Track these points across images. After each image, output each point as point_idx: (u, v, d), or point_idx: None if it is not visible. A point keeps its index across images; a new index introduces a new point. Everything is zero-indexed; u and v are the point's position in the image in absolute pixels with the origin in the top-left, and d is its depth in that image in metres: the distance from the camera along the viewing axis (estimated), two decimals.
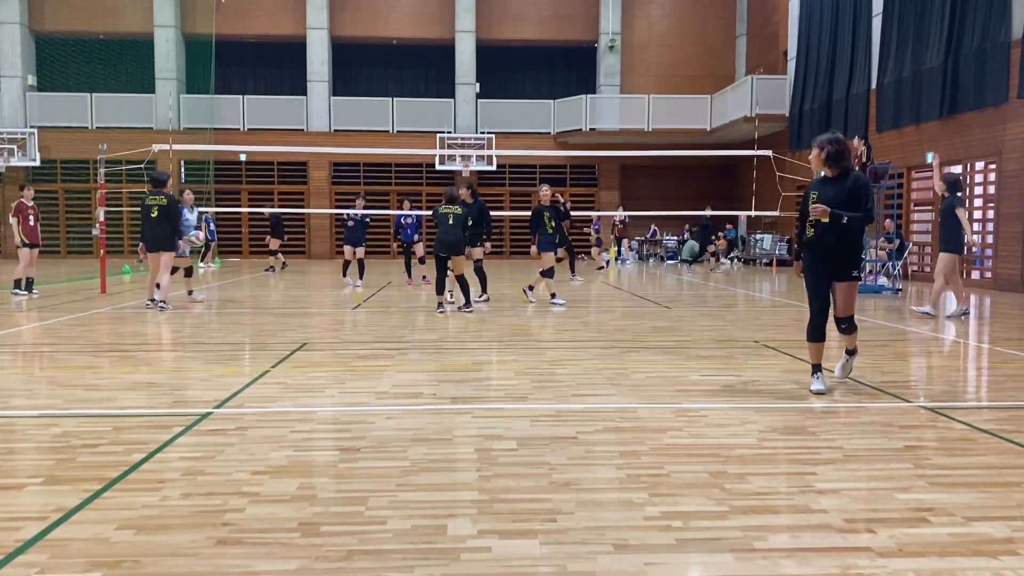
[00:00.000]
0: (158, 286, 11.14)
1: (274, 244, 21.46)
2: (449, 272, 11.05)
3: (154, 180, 11.25)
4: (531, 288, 12.53)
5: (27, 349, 7.98)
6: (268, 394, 5.67)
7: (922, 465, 4.02)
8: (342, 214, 16.35)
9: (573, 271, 17.97)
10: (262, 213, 21.47)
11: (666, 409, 5.25)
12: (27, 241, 12.94)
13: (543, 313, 11.14)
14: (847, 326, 5.87)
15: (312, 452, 4.28)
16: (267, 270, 21.03)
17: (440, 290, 10.92)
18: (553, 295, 12.04)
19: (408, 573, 2.78)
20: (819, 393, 5.64)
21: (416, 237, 15.98)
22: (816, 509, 3.40)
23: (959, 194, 10.73)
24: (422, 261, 16.26)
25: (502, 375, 6.50)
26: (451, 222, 10.71)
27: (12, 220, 12.97)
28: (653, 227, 28.63)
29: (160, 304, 11.06)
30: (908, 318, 10.67)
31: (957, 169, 17.53)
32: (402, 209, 16.06)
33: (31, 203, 13.16)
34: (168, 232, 11.06)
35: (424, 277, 16.23)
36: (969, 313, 10.89)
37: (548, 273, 11.93)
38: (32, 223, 13.07)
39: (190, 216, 12.22)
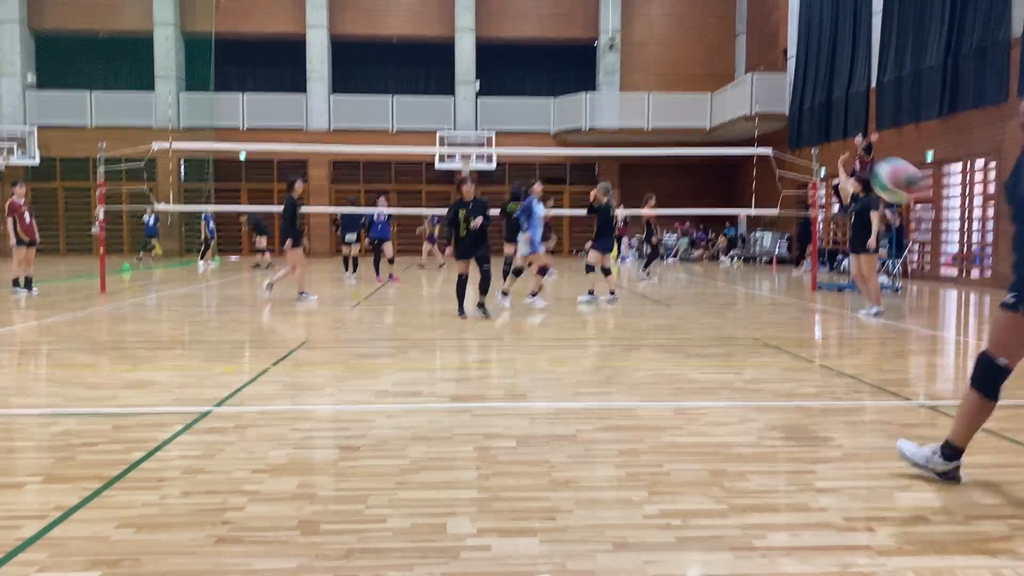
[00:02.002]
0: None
1: (261, 242, 21.54)
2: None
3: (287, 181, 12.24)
4: (591, 292, 12.17)
5: (27, 347, 7.98)
6: (268, 392, 5.67)
7: None
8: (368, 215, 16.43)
9: (647, 269, 17.96)
10: (242, 216, 21.55)
11: (665, 407, 5.25)
12: (25, 239, 12.95)
13: (542, 311, 11.13)
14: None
15: (312, 450, 4.28)
16: (255, 267, 21.06)
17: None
18: (612, 291, 12.01)
19: (408, 571, 2.78)
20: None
21: (388, 235, 16.08)
22: (815, 507, 3.40)
23: (874, 195, 10.58)
24: (391, 261, 16.30)
25: (502, 373, 6.50)
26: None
27: (8, 219, 12.98)
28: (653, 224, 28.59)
29: (300, 295, 12.21)
30: (880, 324, 10.66)
31: (957, 168, 17.55)
32: (377, 205, 16.06)
33: (23, 200, 13.17)
34: (285, 228, 11.95)
35: (392, 275, 16.25)
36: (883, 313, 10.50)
37: (604, 271, 11.91)
38: (28, 220, 13.08)
39: (539, 210, 11.26)
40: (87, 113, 27.53)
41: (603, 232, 11.96)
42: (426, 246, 22.02)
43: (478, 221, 9.64)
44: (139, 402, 5.35)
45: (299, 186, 12.01)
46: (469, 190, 9.89)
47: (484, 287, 9.99)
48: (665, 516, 3.29)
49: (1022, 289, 3.48)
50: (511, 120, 28.39)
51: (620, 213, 25.79)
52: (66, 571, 2.77)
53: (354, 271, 17.00)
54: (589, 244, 12.22)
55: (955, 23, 16.41)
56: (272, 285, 12.63)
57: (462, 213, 9.73)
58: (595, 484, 3.70)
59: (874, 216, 10.38)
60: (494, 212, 12.99)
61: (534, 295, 11.45)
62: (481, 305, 10.16)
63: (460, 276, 10.08)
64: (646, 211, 17.34)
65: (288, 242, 11.86)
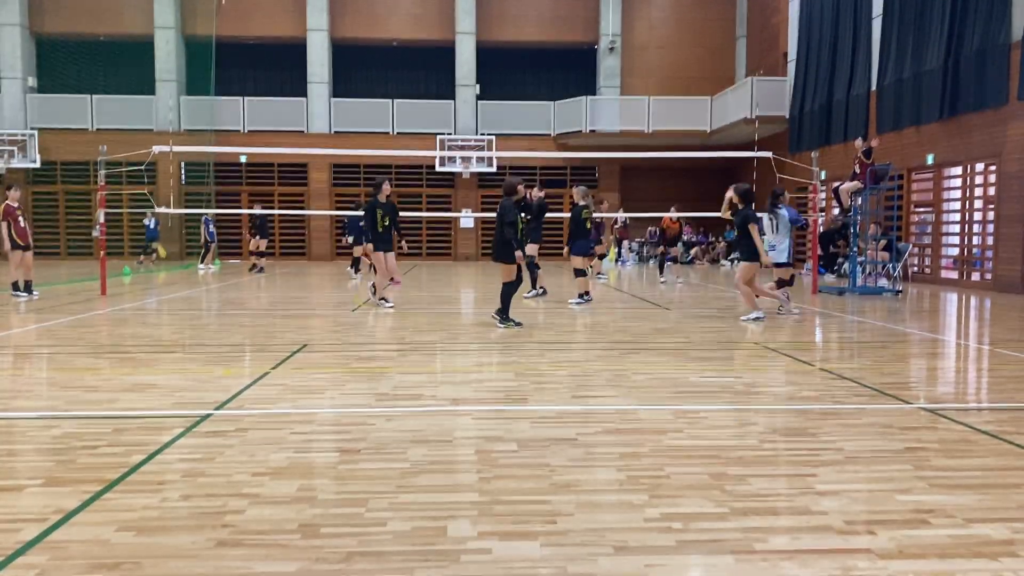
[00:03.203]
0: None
1: (260, 245, 21.46)
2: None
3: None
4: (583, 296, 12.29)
5: (27, 351, 7.97)
6: (268, 396, 5.67)
7: (922, 467, 4.01)
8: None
9: (662, 272, 17.99)
10: (250, 214, 21.28)
11: (666, 411, 5.25)
12: (20, 243, 12.96)
13: (543, 314, 11.14)
14: None
15: (312, 454, 4.27)
16: (252, 269, 21.01)
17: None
18: (583, 294, 12.30)
19: (408, 575, 2.78)
20: None
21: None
22: (816, 511, 3.39)
23: (752, 206, 10.28)
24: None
25: (502, 376, 6.50)
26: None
27: (3, 224, 12.95)
28: (654, 229, 28.62)
29: (377, 301, 11.91)
30: (779, 324, 10.64)
31: (957, 171, 17.54)
32: None
33: (17, 204, 13.17)
34: (369, 231, 11.67)
35: (392, 278, 16.13)
36: (763, 319, 10.31)
37: (576, 271, 12.36)
38: (23, 224, 13.10)
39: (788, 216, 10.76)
40: (88, 116, 27.56)
41: (574, 235, 12.42)
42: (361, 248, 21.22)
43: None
44: (139, 405, 5.35)
45: (386, 187, 11.47)
46: (526, 192, 9.84)
47: (506, 298, 9.57)
48: (666, 519, 3.29)
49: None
50: (511, 123, 28.41)
51: (620, 216, 25.92)
52: (66, 574, 2.77)
53: (356, 271, 17.62)
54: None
55: (955, 26, 16.42)
56: (379, 296, 11.94)
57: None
58: (596, 487, 3.70)
59: (752, 229, 10.12)
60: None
61: (781, 311, 11.06)
62: (498, 313, 9.68)
63: (515, 281, 9.54)
64: (666, 216, 17.60)
65: (369, 246, 11.76)
